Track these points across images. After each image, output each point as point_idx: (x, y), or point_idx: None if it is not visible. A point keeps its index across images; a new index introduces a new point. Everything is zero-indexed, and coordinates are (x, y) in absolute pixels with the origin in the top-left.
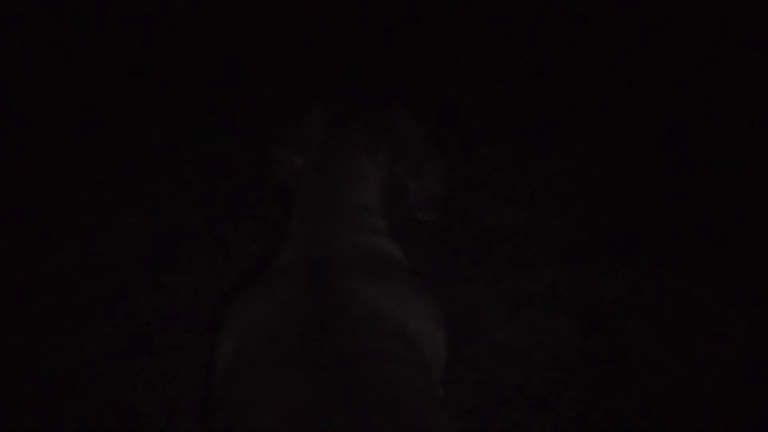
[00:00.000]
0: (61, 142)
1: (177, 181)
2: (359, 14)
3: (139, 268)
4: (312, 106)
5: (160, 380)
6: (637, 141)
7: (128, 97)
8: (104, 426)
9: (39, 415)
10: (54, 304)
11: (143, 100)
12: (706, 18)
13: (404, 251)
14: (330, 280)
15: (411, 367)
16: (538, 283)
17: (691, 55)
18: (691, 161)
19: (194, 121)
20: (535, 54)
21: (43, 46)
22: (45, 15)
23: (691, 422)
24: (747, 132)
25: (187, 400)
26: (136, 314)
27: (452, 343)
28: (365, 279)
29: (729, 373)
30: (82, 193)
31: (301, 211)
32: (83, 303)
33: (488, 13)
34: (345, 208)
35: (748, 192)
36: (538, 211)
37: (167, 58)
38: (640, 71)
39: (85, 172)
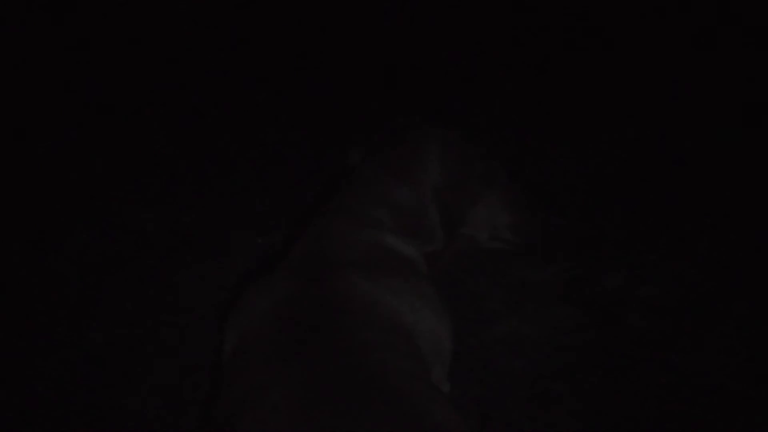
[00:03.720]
0: (72, 139)
1: (187, 179)
2: (367, 19)
3: (148, 264)
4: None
5: (168, 377)
6: (639, 136)
7: (139, 95)
8: (110, 422)
9: (46, 409)
10: (62, 299)
11: (153, 97)
12: (708, 14)
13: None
14: (327, 276)
15: (405, 355)
16: (543, 274)
17: (693, 52)
18: (693, 155)
19: (205, 119)
20: (536, 51)
21: (49, 45)
22: (49, 14)
23: (695, 410)
24: (750, 125)
25: (194, 396)
26: (144, 310)
27: (458, 334)
28: (361, 274)
29: (732, 364)
30: (91, 190)
31: (319, 213)
32: (91, 298)
33: (487, 14)
34: (355, 208)
35: (750, 185)
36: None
37: (187, 58)
38: (642, 67)
39: (94, 169)
